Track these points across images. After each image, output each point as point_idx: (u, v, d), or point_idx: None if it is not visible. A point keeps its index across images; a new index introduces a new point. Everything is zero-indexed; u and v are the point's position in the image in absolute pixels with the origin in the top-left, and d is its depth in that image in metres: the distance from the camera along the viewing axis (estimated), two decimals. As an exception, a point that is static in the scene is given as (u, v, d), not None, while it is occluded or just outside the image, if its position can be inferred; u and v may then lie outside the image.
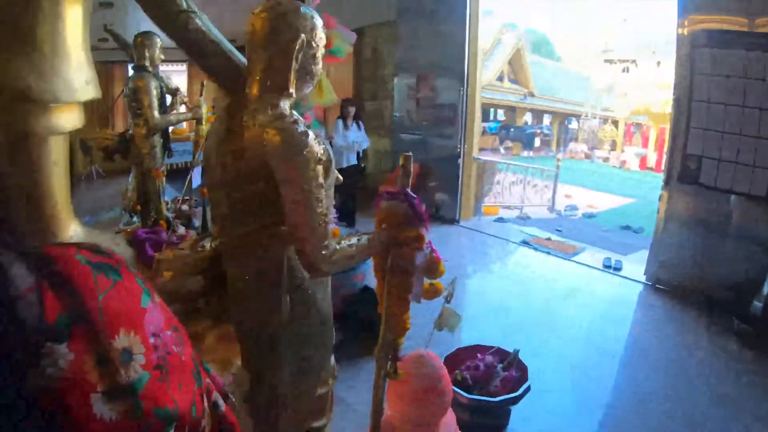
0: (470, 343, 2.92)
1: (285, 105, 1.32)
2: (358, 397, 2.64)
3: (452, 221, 6.55)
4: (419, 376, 1.91)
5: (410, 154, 1.56)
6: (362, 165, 6.71)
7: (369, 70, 7.96)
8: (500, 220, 7.39)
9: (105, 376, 0.55)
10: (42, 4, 2.00)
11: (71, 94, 2.09)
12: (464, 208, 6.64)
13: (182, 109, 4.21)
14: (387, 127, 7.51)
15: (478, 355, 2.69)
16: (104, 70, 8.67)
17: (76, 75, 2.12)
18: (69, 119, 2.16)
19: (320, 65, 1.44)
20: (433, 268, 1.55)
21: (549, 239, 6.01)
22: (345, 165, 6.03)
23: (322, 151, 1.29)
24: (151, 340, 0.61)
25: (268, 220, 1.33)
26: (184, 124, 6.78)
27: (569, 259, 5.28)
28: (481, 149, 18.05)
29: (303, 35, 1.33)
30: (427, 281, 1.58)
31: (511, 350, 2.67)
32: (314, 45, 1.37)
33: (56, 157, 2.11)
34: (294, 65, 1.33)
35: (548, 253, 5.47)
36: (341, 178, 2.14)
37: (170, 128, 3.94)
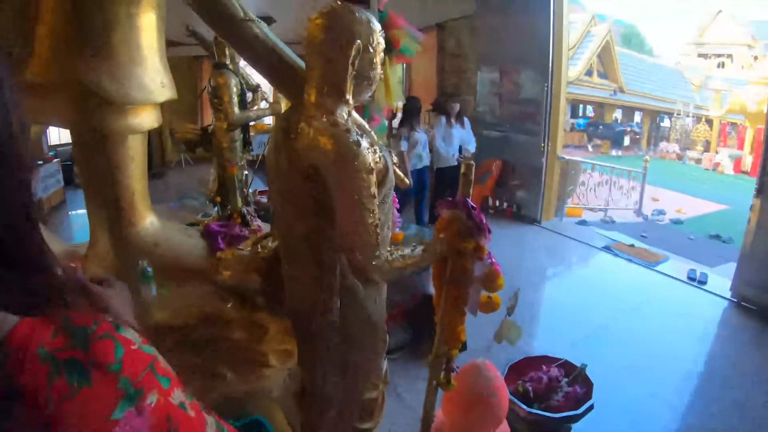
0: (539, 352, 2.83)
1: (342, 111, 1.31)
2: (416, 399, 2.63)
3: (533, 221, 6.36)
4: (473, 386, 1.86)
5: (472, 162, 1.51)
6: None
7: (452, 65, 7.83)
8: (583, 222, 7.07)
9: None
10: (117, 14, 2.14)
11: (147, 97, 2.23)
12: (546, 209, 6.41)
13: (263, 105, 4.33)
14: (470, 122, 7.38)
15: (543, 366, 2.59)
16: (194, 65, 9.13)
17: (152, 78, 2.26)
18: (146, 119, 2.31)
19: (379, 69, 1.42)
20: (491, 280, 1.50)
21: (632, 246, 5.68)
22: (445, 166, 5.64)
23: (377, 159, 1.27)
24: None
25: (321, 224, 1.33)
26: (269, 118, 6.98)
27: (652, 269, 4.96)
28: (568, 146, 17.34)
29: (359, 41, 1.30)
30: (485, 293, 1.53)
31: (579, 363, 2.55)
32: (371, 50, 1.35)
33: (134, 153, 2.25)
34: (350, 71, 1.32)
35: (630, 260, 5.17)
36: (408, 181, 2.12)
37: (251, 123, 4.06)
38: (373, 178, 1.22)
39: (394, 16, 2.15)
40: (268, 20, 7.63)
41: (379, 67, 1.42)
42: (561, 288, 4.61)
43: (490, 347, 2.04)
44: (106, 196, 2.33)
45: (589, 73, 20.06)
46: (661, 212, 9.48)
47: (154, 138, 8.82)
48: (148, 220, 2.63)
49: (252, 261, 1.51)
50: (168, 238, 2.69)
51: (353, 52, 1.31)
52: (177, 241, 2.75)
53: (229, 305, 1.86)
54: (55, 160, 6.77)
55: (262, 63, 1.49)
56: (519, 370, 2.62)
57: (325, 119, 1.25)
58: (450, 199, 1.47)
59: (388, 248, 1.28)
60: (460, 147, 5.68)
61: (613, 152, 20.40)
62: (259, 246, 1.76)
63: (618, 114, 22.76)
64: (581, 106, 22.03)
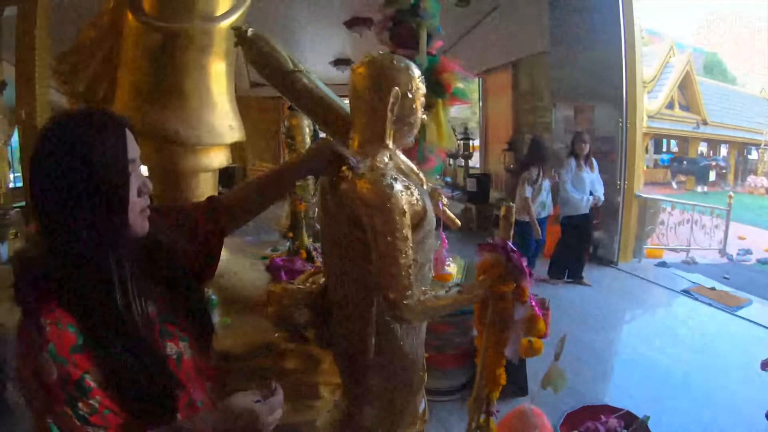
0: (604, 399, 2.70)
1: (382, 156, 1.38)
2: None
3: (610, 263, 6.11)
4: (517, 430, 1.82)
5: (512, 204, 1.52)
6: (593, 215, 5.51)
7: (527, 103, 7.83)
8: (663, 264, 6.67)
9: None
10: (189, 64, 2.37)
11: (215, 138, 2.43)
12: (623, 249, 6.16)
13: None
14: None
15: (602, 416, 2.47)
16: (276, 106, 9.71)
17: (221, 121, 2.46)
18: (216, 159, 2.52)
19: (419, 114, 1.47)
20: (532, 324, 1.49)
21: (713, 289, 5.30)
22: (575, 214, 5.15)
23: (414, 201, 1.32)
24: None
25: (363, 263, 1.38)
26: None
27: (733, 314, 4.60)
28: (651, 184, 16.48)
29: (397, 88, 1.37)
30: (526, 338, 1.52)
31: (641, 415, 2.41)
32: (410, 95, 1.41)
33: (204, 189, 2.44)
34: (390, 117, 1.38)
35: (710, 305, 4.82)
36: (459, 222, 2.15)
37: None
38: (407, 219, 1.26)
39: (446, 60, 2.22)
40: (347, 62, 7.96)
41: (419, 111, 1.48)
42: (635, 334, 4.36)
43: (551, 393, 1.99)
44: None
45: (670, 106, 19.07)
46: (748, 252, 8.72)
47: (239, 175, 9.35)
48: (217, 251, 2.81)
49: (301, 295, 1.58)
50: (234, 271, 2.86)
51: (392, 99, 1.38)
52: (242, 273, 2.91)
53: (276, 335, 1.95)
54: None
55: (311, 111, 1.60)
56: (576, 419, 2.51)
57: (366, 164, 1.32)
58: (491, 241, 1.48)
59: (423, 289, 1.31)
60: (590, 192, 5.16)
61: (699, 188, 19.11)
62: (309, 281, 1.85)
63: (703, 148, 21.39)
64: (664, 141, 20.95)
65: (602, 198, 5.24)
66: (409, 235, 1.27)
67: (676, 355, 3.79)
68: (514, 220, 1.51)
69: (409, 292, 1.25)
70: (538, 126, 7.43)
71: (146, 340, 0.88)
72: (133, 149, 0.92)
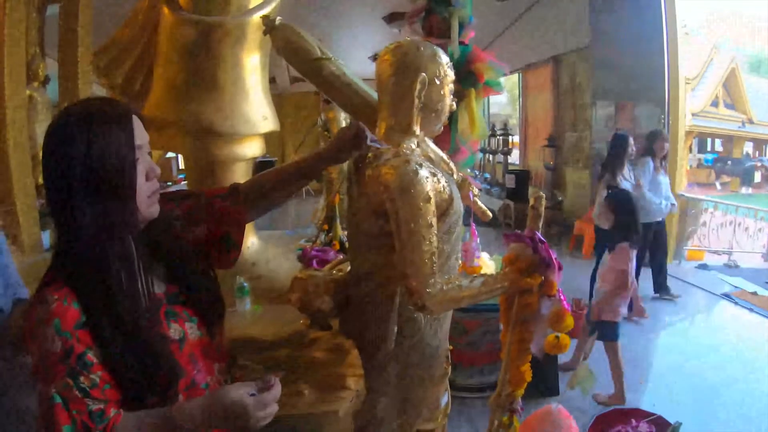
0: (638, 404, 2.64)
1: (409, 143, 1.36)
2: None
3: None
4: (543, 430, 1.78)
5: (542, 194, 1.48)
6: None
7: (568, 99, 7.69)
8: (703, 267, 6.44)
9: None
10: (224, 56, 2.42)
11: (250, 128, 2.48)
12: (665, 251, 5.94)
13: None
14: (586, 158, 7.14)
15: (633, 420, 2.40)
16: (316, 101, 9.81)
17: (255, 111, 2.51)
18: (250, 148, 2.57)
19: (448, 101, 1.45)
20: (558, 319, 1.44)
21: (755, 294, 5.09)
22: (653, 221, 4.57)
23: (440, 189, 1.30)
24: None
25: (386, 252, 1.37)
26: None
27: (774, 320, 4.39)
28: (694, 184, 15.91)
29: (423, 74, 1.35)
30: (552, 333, 1.48)
31: (672, 421, 2.33)
32: (438, 82, 1.39)
33: (238, 179, 2.48)
34: (416, 104, 1.36)
35: (751, 310, 4.63)
36: (490, 214, 2.10)
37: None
38: (432, 207, 1.24)
39: (478, 50, 2.18)
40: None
41: (447, 98, 1.46)
42: (671, 336, 4.25)
43: (585, 396, 1.95)
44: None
45: (714, 104, 18.34)
46: (792, 257, 8.34)
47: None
48: (250, 241, 2.87)
49: (324, 282, 1.58)
50: (266, 260, 2.89)
51: (418, 85, 1.36)
52: (275, 263, 2.94)
53: (300, 321, 1.95)
54: (183, 182, 7.55)
55: (339, 97, 1.60)
56: (607, 422, 2.46)
57: (392, 151, 1.30)
58: (518, 232, 1.45)
59: (447, 278, 1.29)
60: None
61: (743, 190, 18.33)
62: (336, 269, 1.84)
63: (748, 148, 20.48)
64: (708, 140, 20.15)
65: (676, 205, 4.79)
66: (434, 223, 1.25)
67: (714, 361, 3.67)
68: (543, 210, 1.47)
69: (432, 280, 1.23)
70: (578, 123, 7.29)
71: (145, 322, 0.90)
72: (141, 136, 0.95)
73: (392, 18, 7.18)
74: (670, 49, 5.60)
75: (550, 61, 7.82)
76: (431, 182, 1.26)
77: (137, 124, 0.95)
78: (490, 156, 10.10)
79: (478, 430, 2.71)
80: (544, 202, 1.48)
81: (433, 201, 1.25)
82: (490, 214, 1.96)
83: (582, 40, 6.84)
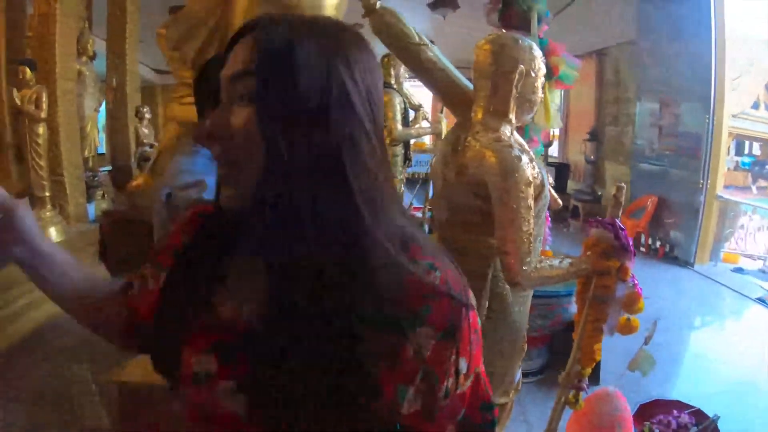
0: (673, 398, 2.69)
1: (505, 129, 1.45)
2: (543, 424, 2.64)
3: (686, 264, 5.91)
4: (601, 412, 1.88)
5: (623, 185, 1.56)
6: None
7: (611, 93, 7.62)
8: (739, 270, 6.39)
9: None
10: None
11: None
12: (700, 251, 5.92)
13: (424, 123, 4.58)
14: (627, 154, 7.11)
15: (674, 411, 2.48)
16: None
17: None
18: None
19: (539, 93, 1.53)
20: (632, 302, 1.53)
21: (789, 300, 5.05)
22: None
23: (535, 174, 1.39)
24: None
25: (480, 231, 1.47)
26: (427, 137, 7.21)
27: (808, 327, 4.35)
28: (730, 187, 15.62)
29: (522, 66, 1.44)
30: (624, 315, 1.57)
31: (711, 415, 2.41)
32: (533, 74, 1.47)
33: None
34: (514, 93, 1.45)
35: (785, 316, 4.60)
36: (560, 202, 2.19)
37: (412, 140, 4.32)
38: (531, 190, 1.34)
39: (554, 43, 2.24)
40: (454, 4, 7.79)
41: (539, 90, 1.54)
42: (706, 337, 4.27)
43: (623, 385, 2.02)
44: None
45: (755, 106, 17.87)
46: (828, 265, 8.20)
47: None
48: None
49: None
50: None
51: (516, 77, 1.45)
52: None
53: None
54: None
55: (434, 83, 1.69)
56: (648, 411, 2.53)
57: (490, 135, 1.40)
58: (599, 218, 1.53)
59: (539, 257, 1.39)
60: None
61: (780, 196, 17.94)
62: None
63: (790, 152, 19.97)
64: (746, 143, 19.70)
65: None
66: (532, 205, 1.34)
67: (745, 364, 3.68)
68: (623, 200, 1.55)
69: (528, 258, 1.33)
70: (621, 118, 7.23)
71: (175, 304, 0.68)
72: None
73: (436, 5, 7.17)
74: (718, 46, 5.50)
75: (594, 54, 7.75)
76: (530, 168, 1.36)
77: None
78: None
79: (525, 411, 2.80)
80: (624, 192, 1.56)
81: (532, 185, 1.34)
82: (561, 203, 2.04)
83: (628, 34, 6.76)
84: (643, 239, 6.33)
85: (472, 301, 0.63)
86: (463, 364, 0.61)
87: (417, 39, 1.65)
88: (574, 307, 3.32)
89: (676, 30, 5.92)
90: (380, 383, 0.57)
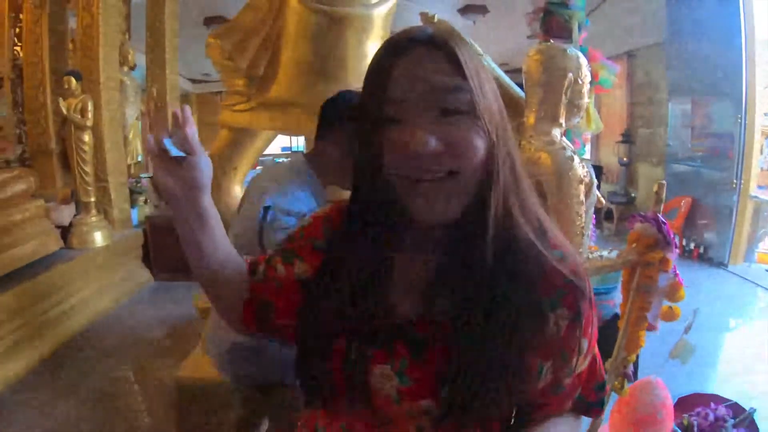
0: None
1: (556, 133, 1.59)
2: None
3: (719, 264, 5.89)
4: (643, 401, 1.97)
5: (664, 182, 1.68)
6: None
7: (642, 95, 7.59)
8: (773, 270, 6.36)
9: None
10: (349, 43, 2.64)
11: None
12: (734, 252, 5.89)
13: None
14: (659, 155, 7.08)
15: (712, 404, 2.55)
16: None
17: None
18: None
19: (586, 98, 1.66)
20: (674, 291, 1.65)
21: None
22: None
23: (585, 174, 1.52)
24: None
25: None
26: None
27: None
28: (763, 186, 15.27)
29: (570, 74, 1.57)
30: (666, 304, 1.68)
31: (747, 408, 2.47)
32: (580, 81, 1.61)
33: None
34: (563, 100, 1.59)
35: (820, 316, 4.57)
36: (603, 201, 2.30)
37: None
38: (582, 188, 1.47)
39: (593, 50, 2.35)
40: (483, 9, 7.85)
41: (586, 96, 1.67)
42: (741, 337, 4.29)
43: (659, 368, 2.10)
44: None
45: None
46: None
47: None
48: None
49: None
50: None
51: (566, 84, 1.58)
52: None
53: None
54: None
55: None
56: (687, 404, 2.59)
57: (543, 139, 1.53)
58: (643, 213, 1.65)
59: (590, 248, 1.52)
60: None
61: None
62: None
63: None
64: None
65: None
66: (583, 201, 1.47)
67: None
68: (664, 196, 1.67)
69: (580, 249, 1.46)
70: (653, 119, 7.21)
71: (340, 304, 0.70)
72: None
73: (466, 10, 7.28)
74: (749, 45, 5.48)
75: (625, 55, 7.74)
76: (580, 167, 1.49)
77: None
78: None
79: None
80: (665, 189, 1.68)
81: (582, 183, 1.48)
82: (604, 201, 2.15)
83: (657, 35, 6.76)
84: (677, 240, 6.28)
85: (591, 287, 0.69)
86: (585, 344, 0.68)
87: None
88: (611, 307, 3.42)
89: (705, 30, 5.91)
90: (528, 359, 0.65)
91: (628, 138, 7.74)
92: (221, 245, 0.82)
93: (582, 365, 0.70)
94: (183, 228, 0.79)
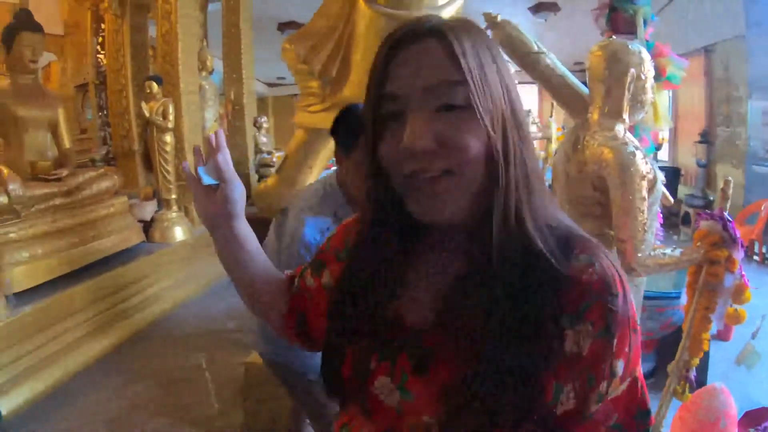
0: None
1: (619, 128, 1.58)
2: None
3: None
4: (705, 407, 1.90)
5: (730, 179, 1.64)
6: None
7: (721, 92, 7.16)
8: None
9: None
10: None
11: None
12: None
13: (533, 129, 4.61)
14: (740, 156, 6.68)
15: (779, 420, 2.43)
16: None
17: None
18: None
19: (649, 94, 1.65)
20: (740, 292, 1.61)
21: None
22: None
23: (648, 170, 1.52)
24: None
25: (599, 222, 1.61)
26: (535, 141, 7.10)
27: None
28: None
29: (633, 69, 1.57)
30: (732, 306, 1.63)
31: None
32: (643, 77, 1.60)
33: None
34: (626, 95, 1.58)
35: None
36: (671, 199, 2.25)
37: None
38: (645, 184, 1.47)
39: (660, 45, 2.30)
40: (555, 6, 7.71)
41: (649, 92, 1.66)
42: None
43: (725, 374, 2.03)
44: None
45: None
46: None
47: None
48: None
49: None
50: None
51: (628, 80, 1.58)
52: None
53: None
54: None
55: (553, 88, 1.85)
56: (754, 418, 2.49)
57: (607, 134, 1.54)
58: (708, 211, 1.62)
59: (654, 245, 1.51)
60: None
61: None
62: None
63: None
64: None
65: None
66: (646, 197, 1.47)
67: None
68: (731, 194, 1.63)
69: (643, 246, 1.46)
70: (733, 118, 6.81)
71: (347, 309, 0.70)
72: None
73: (538, 8, 7.18)
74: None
75: (702, 51, 7.37)
76: (643, 163, 1.49)
77: None
78: (638, 153, 9.60)
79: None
80: (731, 186, 1.64)
81: (645, 179, 1.47)
82: (671, 200, 2.11)
83: (736, 29, 6.40)
84: (756, 247, 5.91)
85: (631, 298, 0.60)
86: (619, 366, 0.58)
87: (536, 48, 1.82)
88: (683, 313, 3.27)
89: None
90: (542, 380, 0.57)
91: (706, 138, 7.30)
92: (261, 265, 0.86)
93: (616, 390, 0.60)
94: (222, 252, 0.84)
